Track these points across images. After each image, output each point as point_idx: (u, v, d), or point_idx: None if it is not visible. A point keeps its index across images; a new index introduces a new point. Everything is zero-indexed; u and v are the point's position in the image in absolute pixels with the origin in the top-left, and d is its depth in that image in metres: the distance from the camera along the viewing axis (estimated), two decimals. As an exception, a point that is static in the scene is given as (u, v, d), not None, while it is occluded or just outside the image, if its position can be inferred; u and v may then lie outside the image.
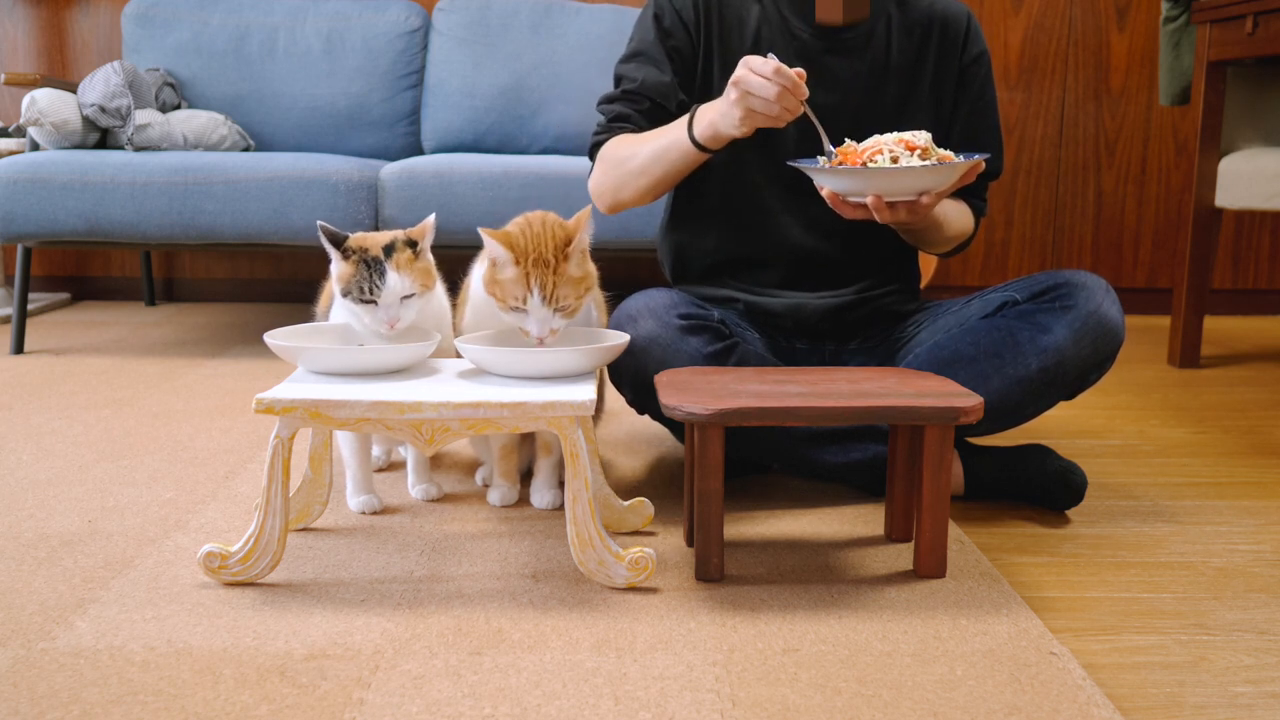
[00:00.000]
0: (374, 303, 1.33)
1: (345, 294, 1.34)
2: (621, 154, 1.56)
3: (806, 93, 1.35)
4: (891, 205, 1.38)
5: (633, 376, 1.50)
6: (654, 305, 1.50)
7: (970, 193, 1.67)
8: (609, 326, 1.52)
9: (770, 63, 1.33)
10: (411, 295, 1.34)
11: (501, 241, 1.34)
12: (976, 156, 1.38)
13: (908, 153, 1.37)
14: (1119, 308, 1.49)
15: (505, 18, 3.15)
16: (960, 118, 1.63)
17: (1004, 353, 1.49)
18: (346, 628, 1.15)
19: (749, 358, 1.51)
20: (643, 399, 1.53)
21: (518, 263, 1.32)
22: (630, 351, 1.47)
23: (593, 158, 1.64)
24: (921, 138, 1.38)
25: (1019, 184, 3.47)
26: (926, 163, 1.35)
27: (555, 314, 1.34)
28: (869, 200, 1.37)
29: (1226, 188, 2.54)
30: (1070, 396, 1.53)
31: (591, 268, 1.39)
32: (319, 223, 1.36)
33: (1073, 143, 3.46)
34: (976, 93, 1.63)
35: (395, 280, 1.32)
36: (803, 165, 1.41)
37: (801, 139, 1.55)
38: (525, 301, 1.33)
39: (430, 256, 1.40)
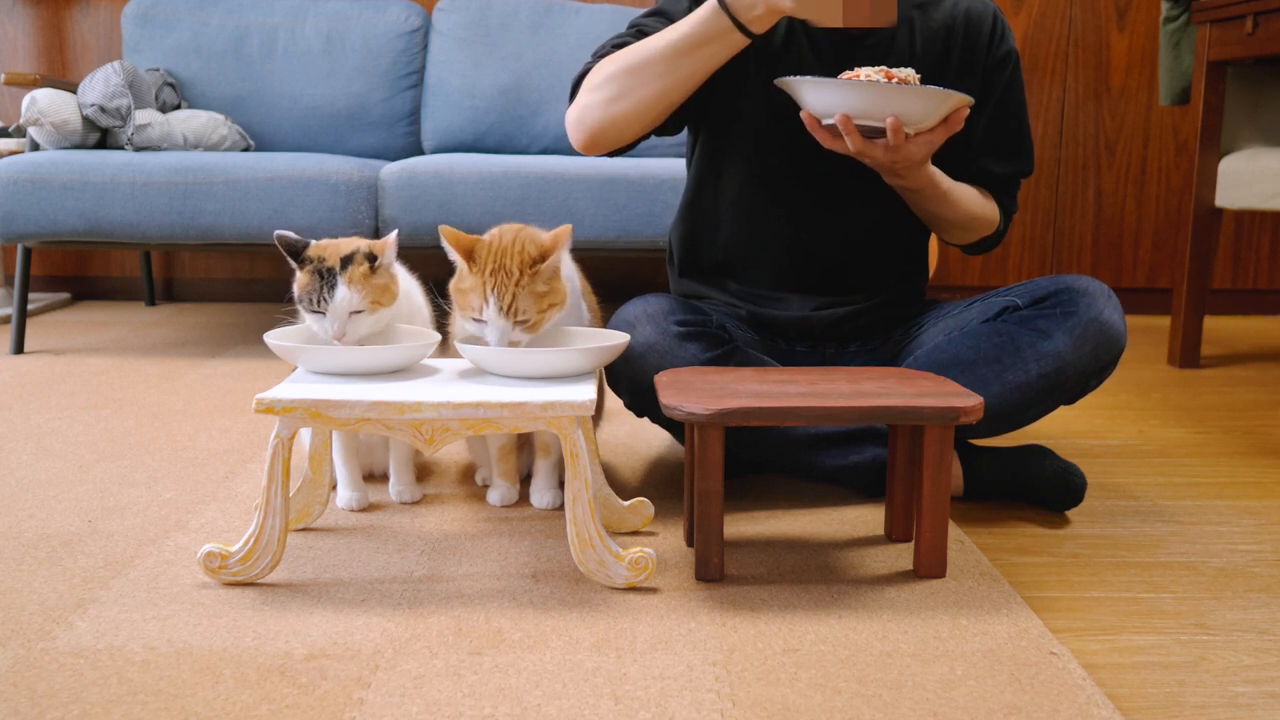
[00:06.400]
0: (322, 314, 1.33)
1: (299, 301, 1.35)
2: (624, 57, 1.45)
3: None
4: (866, 137, 1.36)
5: (631, 382, 1.50)
6: (651, 311, 1.49)
7: (998, 189, 1.64)
8: None
9: None
10: (360, 311, 1.33)
11: (462, 245, 1.32)
12: (961, 94, 1.36)
13: (885, 80, 1.34)
14: (1120, 314, 1.49)
15: (505, 18, 3.15)
16: (985, 117, 1.60)
17: (1003, 358, 1.48)
18: (346, 628, 1.15)
19: (748, 363, 1.51)
20: (640, 403, 1.53)
21: (476, 271, 1.31)
22: (628, 358, 1.47)
23: (576, 89, 1.52)
24: (904, 71, 1.37)
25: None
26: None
27: (515, 327, 1.32)
28: (837, 119, 1.34)
29: (1226, 188, 2.54)
30: (1071, 401, 1.53)
31: (562, 286, 1.36)
32: (276, 233, 1.35)
33: (1073, 143, 3.46)
34: (1001, 94, 1.60)
35: (344, 294, 1.32)
36: (785, 80, 1.38)
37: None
38: (482, 312, 1.31)
39: (395, 271, 1.39)
